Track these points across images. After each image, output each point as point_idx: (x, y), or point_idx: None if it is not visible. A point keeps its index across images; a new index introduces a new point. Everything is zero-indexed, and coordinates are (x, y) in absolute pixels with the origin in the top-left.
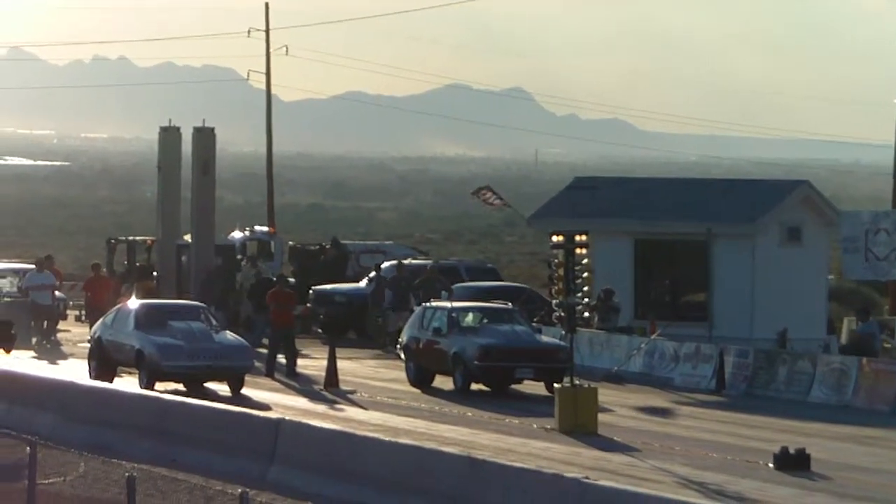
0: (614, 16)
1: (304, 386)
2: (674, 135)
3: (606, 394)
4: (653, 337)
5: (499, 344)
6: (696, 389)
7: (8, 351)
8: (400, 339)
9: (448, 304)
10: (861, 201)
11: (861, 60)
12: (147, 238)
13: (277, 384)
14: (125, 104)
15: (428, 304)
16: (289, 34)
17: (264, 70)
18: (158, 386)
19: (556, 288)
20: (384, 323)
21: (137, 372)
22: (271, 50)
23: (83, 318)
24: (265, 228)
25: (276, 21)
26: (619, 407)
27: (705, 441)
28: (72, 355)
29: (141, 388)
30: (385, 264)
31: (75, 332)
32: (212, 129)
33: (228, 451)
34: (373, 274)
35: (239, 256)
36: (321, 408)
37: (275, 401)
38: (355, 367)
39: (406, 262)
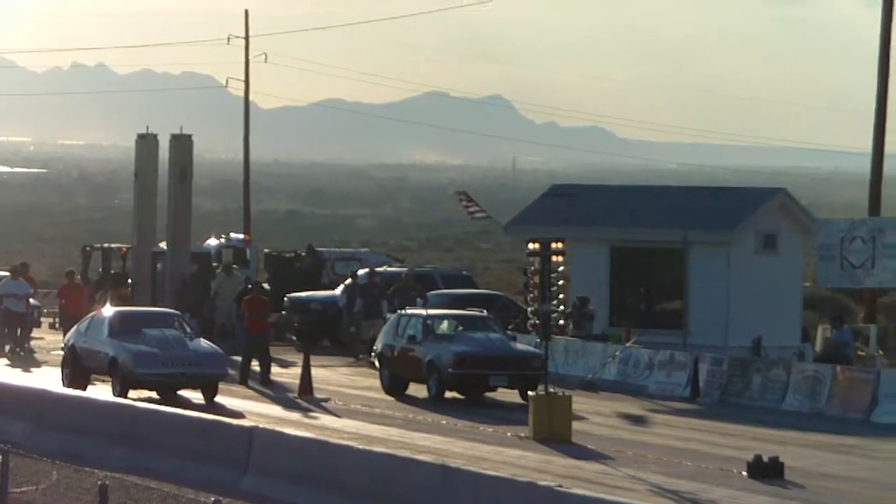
0: (595, 24)
1: (278, 394)
2: (653, 142)
3: (581, 402)
4: (628, 345)
5: (473, 351)
6: (671, 397)
7: None
8: (374, 347)
9: (423, 312)
10: (839, 209)
11: (844, 68)
12: (122, 245)
13: (251, 392)
14: (103, 111)
15: (403, 311)
16: (268, 41)
17: (243, 77)
18: (132, 394)
19: (532, 295)
20: (356, 331)
21: (111, 379)
22: (250, 57)
23: (57, 325)
24: (241, 236)
25: (256, 28)
26: (593, 415)
27: (679, 449)
28: (45, 363)
29: (114, 395)
30: (359, 272)
31: (49, 339)
32: (189, 136)
33: (202, 460)
34: (349, 281)
35: (214, 264)
36: (295, 416)
37: (249, 409)
38: (329, 375)
39: (381, 269)
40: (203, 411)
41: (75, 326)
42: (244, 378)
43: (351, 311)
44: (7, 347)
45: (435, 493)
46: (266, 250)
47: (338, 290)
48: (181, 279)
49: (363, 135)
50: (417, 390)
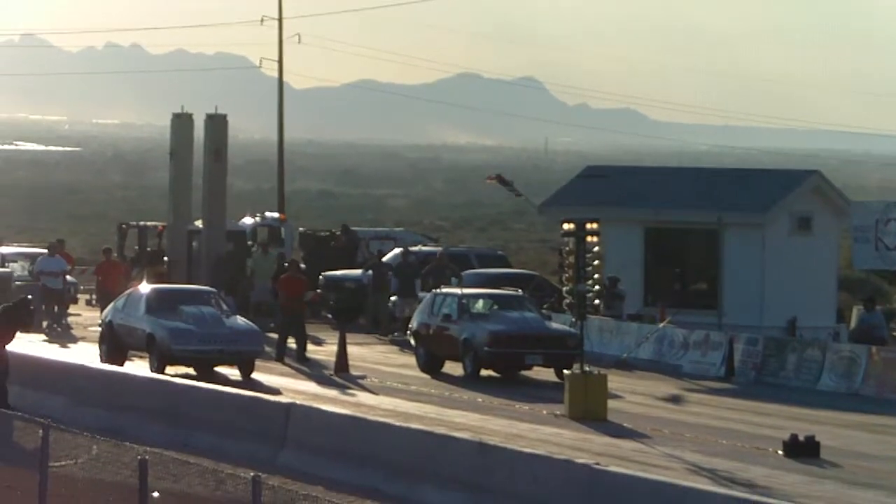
0: (626, 5)
1: (314, 371)
2: (685, 124)
3: (616, 380)
4: (662, 324)
5: (509, 330)
6: (706, 377)
7: (28, 330)
8: (410, 325)
9: (458, 291)
10: (871, 191)
11: (875, 51)
12: (158, 223)
13: (288, 369)
14: (137, 91)
15: (438, 290)
16: (301, 22)
17: (276, 58)
18: (169, 370)
19: (567, 275)
20: (379, 309)
21: (148, 356)
22: (284, 38)
23: (94, 302)
24: (276, 215)
25: (289, 9)
26: (628, 393)
27: (715, 428)
28: (82, 339)
29: (151, 371)
30: (393, 252)
31: (86, 315)
32: (224, 116)
33: (239, 435)
34: (373, 259)
35: (249, 242)
36: (331, 393)
37: (285, 385)
38: (365, 353)
39: (415, 249)
40: (240, 388)
41: (113, 303)
42: (280, 355)
43: (378, 290)
44: (45, 323)
45: (472, 469)
46: (301, 229)
47: (359, 272)
48: (216, 257)
49: (395, 116)
50: (453, 368)
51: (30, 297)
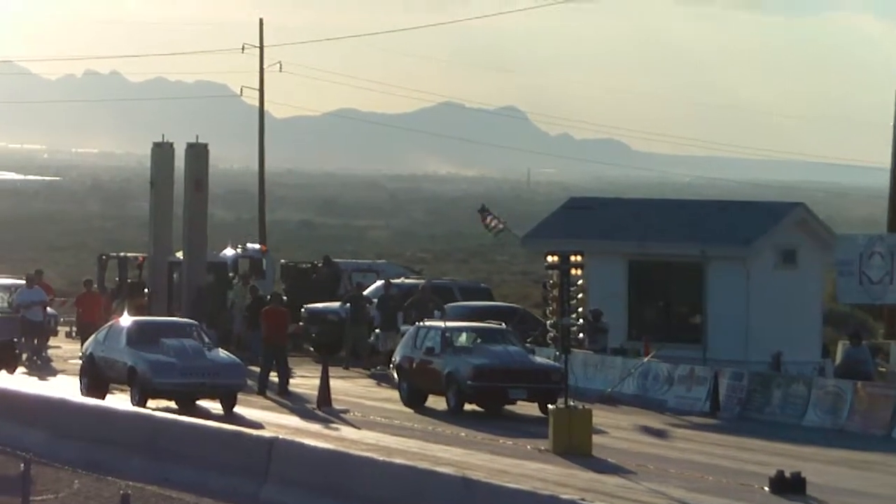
0: (610, 35)
1: (296, 404)
2: (668, 155)
3: (600, 415)
4: (646, 359)
5: (492, 364)
6: (691, 412)
7: (11, 371)
8: (392, 359)
9: (442, 324)
10: (856, 224)
11: (860, 83)
12: (138, 254)
13: (270, 402)
14: (117, 119)
15: (421, 323)
16: (282, 51)
17: (257, 86)
18: (150, 403)
19: (551, 308)
20: (358, 341)
21: (129, 389)
22: (265, 66)
23: (74, 334)
24: (257, 246)
25: (270, 37)
26: (613, 429)
27: (700, 463)
28: (62, 372)
29: (133, 405)
30: (373, 285)
31: (66, 348)
32: (205, 145)
33: (221, 470)
34: (351, 292)
35: (231, 274)
36: (314, 427)
37: (267, 419)
38: (348, 387)
39: (398, 281)
40: (222, 422)
41: (93, 336)
42: (262, 388)
43: (356, 322)
44: (24, 356)
45: None
46: (283, 261)
47: (336, 304)
48: (196, 289)
49: (376, 145)
50: (436, 402)
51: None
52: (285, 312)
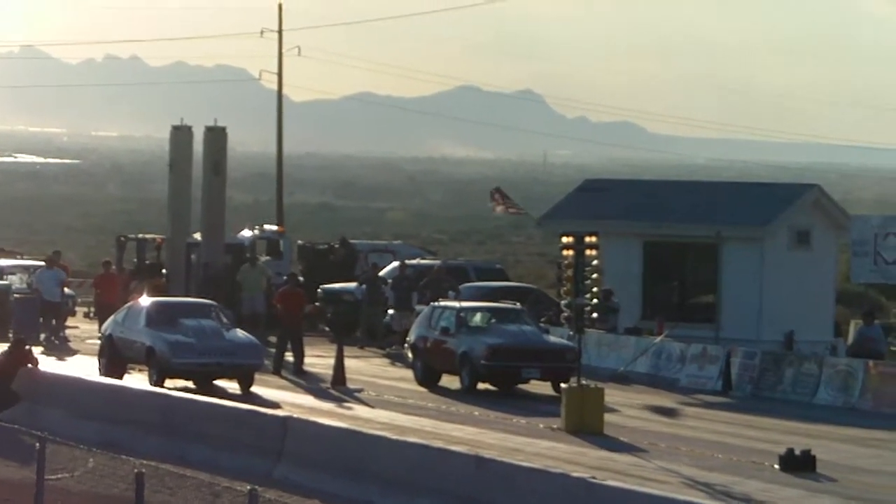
0: (626, 18)
1: (311, 384)
2: (684, 138)
3: (612, 394)
4: (659, 338)
5: (506, 344)
6: (703, 390)
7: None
8: (407, 339)
9: (456, 304)
10: (868, 204)
11: (874, 64)
12: (157, 236)
13: (286, 382)
14: (136, 103)
15: (436, 303)
16: (301, 35)
17: (276, 70)
18: (168, 383)
19: (565, 288)
20: (374, 322)
21: (148, 369)
22: (283, 50)
23: (92, 314)
24: (274, 227)
25: (289, 22)
26: (625, 407)
27: (711, 442)
28: (80, 352)
29: (151, 384)
30: (388, 266)
31: (84, 328)
32: (223, 129)
33: (236, 448)
34: (368, 273)
35: (248, 255)
36: (329, 406)
37: (283, 398)
38: (362, 366)
39: (413, 262)
40: (239, 401)
41: (112, 316)
42: (278, 368)
43: (372, 303)
44: (42, 336)
45: (469, 483)
46: (300, 242)
47: (352, 285)
48: (212, 270)
49: (394, 128)
50: (450, 382)
51: (24, 337)
52: (300, 294)
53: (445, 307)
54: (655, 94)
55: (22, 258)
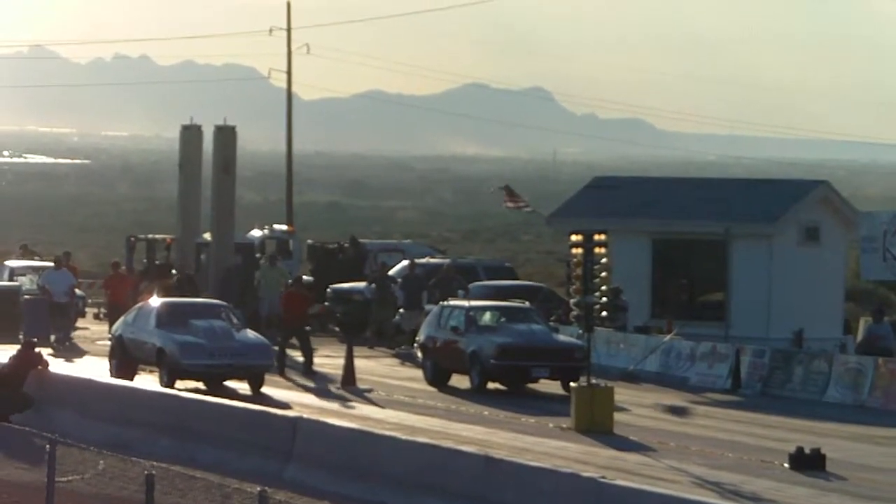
0: (634, 15)
1: (321, 384)
2: (692, 134)
3: (622, 393)
4: (669, 337)
5: (516, 343)
6: (712, 389)
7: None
8: (417, 338)
9: (465, 303)
10: (877, 200)
11: (881, 61)
12: (167, 236)
13: (295, 383)
14: (146, 102)
15: (446, 302)
16: (310, 33)
17: (285, 69)
18: (178, 384)
19: (575, 287)
20: (383, 322)
21: (158, 370)
22: (292, 48)
23: (102, 315)
24: (284, 227)
25: (298, 20)
26: (634, 406)
27: (721, 440)
28: (89, 353)
29: (161, 386)
30: (398, 265)
31: (94, 329)
32: (233, 128)
33: (246, 449)
34: (376, 272)
35: (258, 255)
36: (338, 406)
37: (293, 399)
38: (372, 366)
39: (422, 261)
40: (249, 402)
41: (123, 317)
42: (281, 369)
43: (381, 303)
44: (52, 338)
45: (478, 483)
46: (309, 241)
47: (362, 284)
48: (224, 270)
49: (404, 126)
50: (460, 381)
51: (35, 340)
52: (304, 296)
53: (455, 306)
54: (664, 90)
55: (41, 259)
